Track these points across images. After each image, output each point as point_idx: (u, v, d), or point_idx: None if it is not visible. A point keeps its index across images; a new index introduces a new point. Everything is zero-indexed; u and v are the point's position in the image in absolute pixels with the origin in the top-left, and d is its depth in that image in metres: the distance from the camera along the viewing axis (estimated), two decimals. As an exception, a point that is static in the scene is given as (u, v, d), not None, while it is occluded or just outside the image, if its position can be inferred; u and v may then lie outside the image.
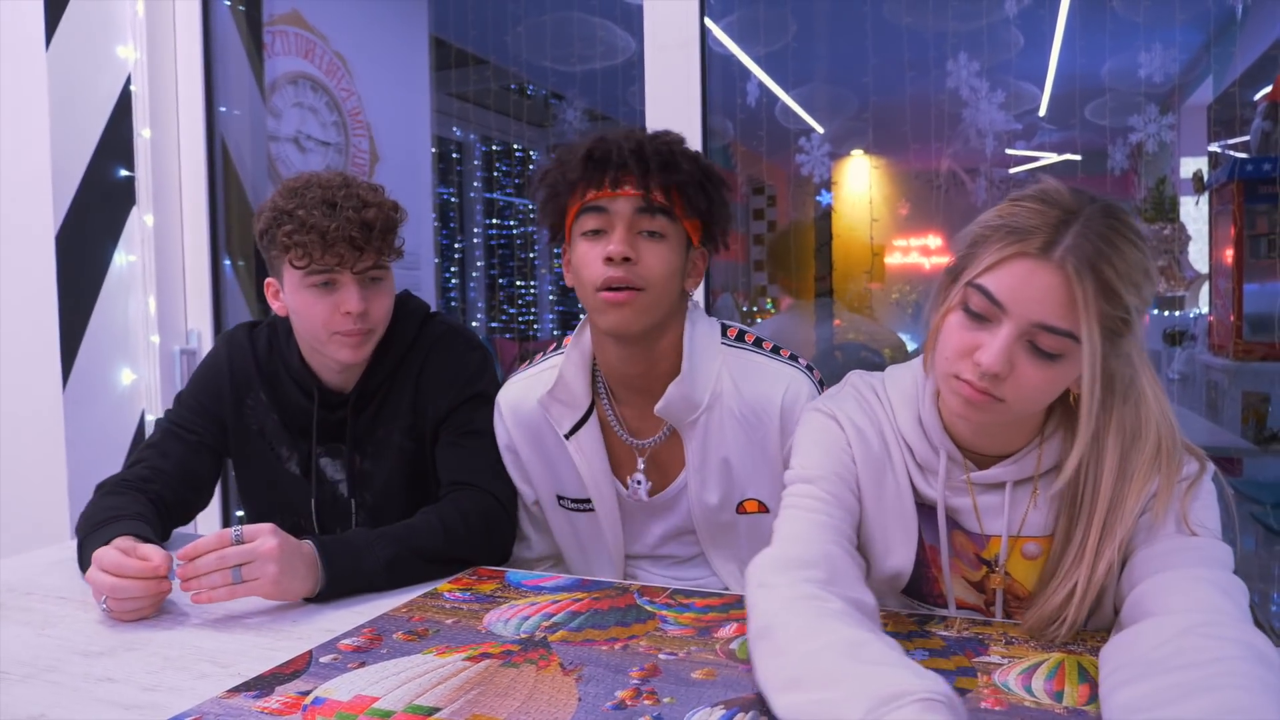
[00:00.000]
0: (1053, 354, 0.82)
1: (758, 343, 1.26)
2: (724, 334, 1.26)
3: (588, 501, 1.30)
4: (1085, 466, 0.87)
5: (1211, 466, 0.90)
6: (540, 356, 1.36)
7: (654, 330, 1.19)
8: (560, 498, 1.32)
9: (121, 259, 2.16)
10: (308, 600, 1.09)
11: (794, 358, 1.24)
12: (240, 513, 1.43)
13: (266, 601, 1.07)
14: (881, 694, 0.63)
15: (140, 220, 2.17)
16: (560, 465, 1.30)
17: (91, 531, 1.15)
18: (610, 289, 1.13)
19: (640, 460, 1.28)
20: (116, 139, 2.13)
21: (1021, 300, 0.81)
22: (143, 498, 1.24)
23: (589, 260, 1.14)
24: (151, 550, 1.06)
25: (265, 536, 1.04)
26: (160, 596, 1.05)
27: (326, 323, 1.24)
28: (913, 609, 1.03)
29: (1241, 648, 0.68)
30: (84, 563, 1.14)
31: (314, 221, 1.19)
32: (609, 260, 1.12)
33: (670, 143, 1.16)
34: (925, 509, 0.99)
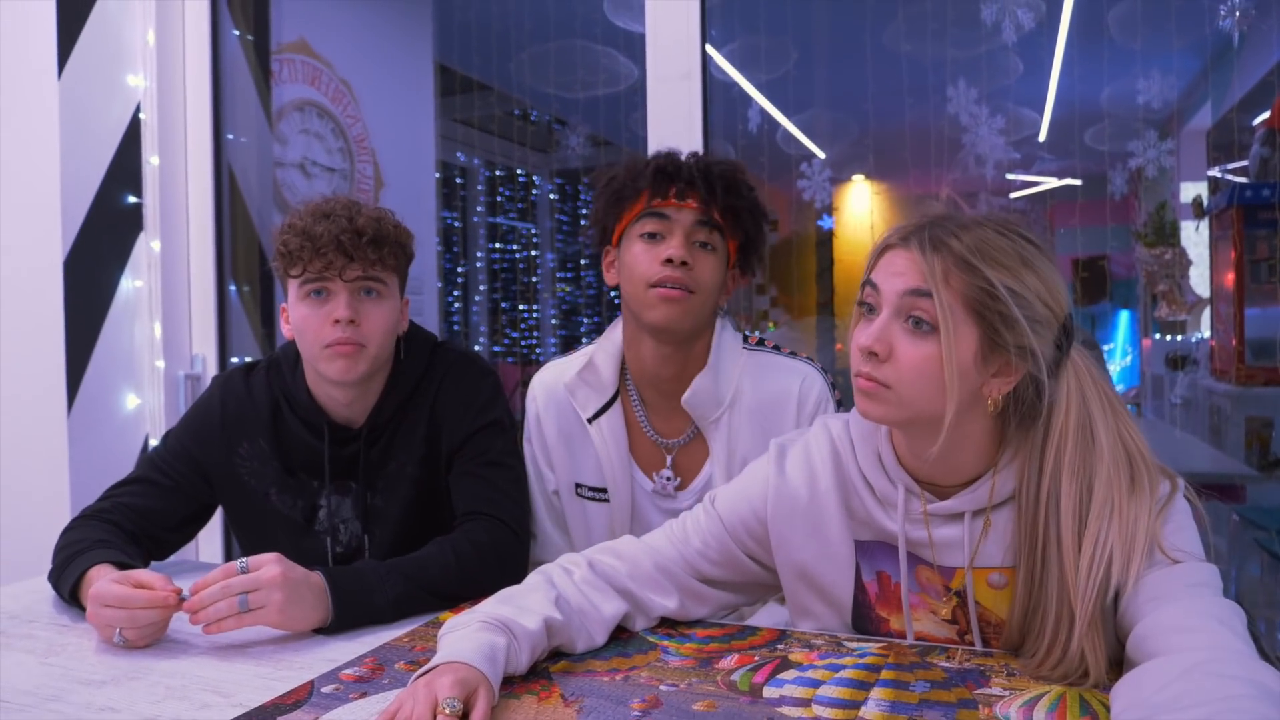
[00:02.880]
0: (925, 321, 0.88)
1: (776, 348, 1.36)
2: (745, 341, 1.37)
3: (604, 491, 1.36)
4: (1044, 497, 0.89)
5: (1182, 484, 0.91)
6: (576, 347, 1.46)
7: (693, 333, 1.29)
8: (578, 485, 1.39)
9: (128, 284, 2.17)
10: (316, 631, 1.09)
11: (809, 359, 1.35)
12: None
13: (269, 630, 1.07)
14: (482, 612, 0.93)
15: (147, 246, 2.19)
16: (581, 452, 1.37)
17: (66, 566, 1.16)
18: (665, 286, 1.23)
19: (668, 458, 1.36)
20: (125, 166, 2.16)
21: (888, 278, 0.91)
22: (115, 529, 1.24)
23: (645, 259, 1.25)
24: (147, 575, 1.06)
25: (269, 565, 1.04)
26: (169, 616, 1.05)
27: (319, 334, 1.23)
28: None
29: (1248, 685, 0.68)
30: (67, 597, 1.15)
31: (306, 227, 1.22)
32: (668, 262, 1.23)
33: (734, 168, 1.27)
34: (875, 546, 1.01)
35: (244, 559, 1.05)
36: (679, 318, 1.24)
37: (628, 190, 1.27)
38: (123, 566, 1.13)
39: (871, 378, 0.90)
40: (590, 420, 1.36)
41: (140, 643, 1.04)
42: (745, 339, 1.37)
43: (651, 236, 1.25)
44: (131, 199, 2.17)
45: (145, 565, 1.23)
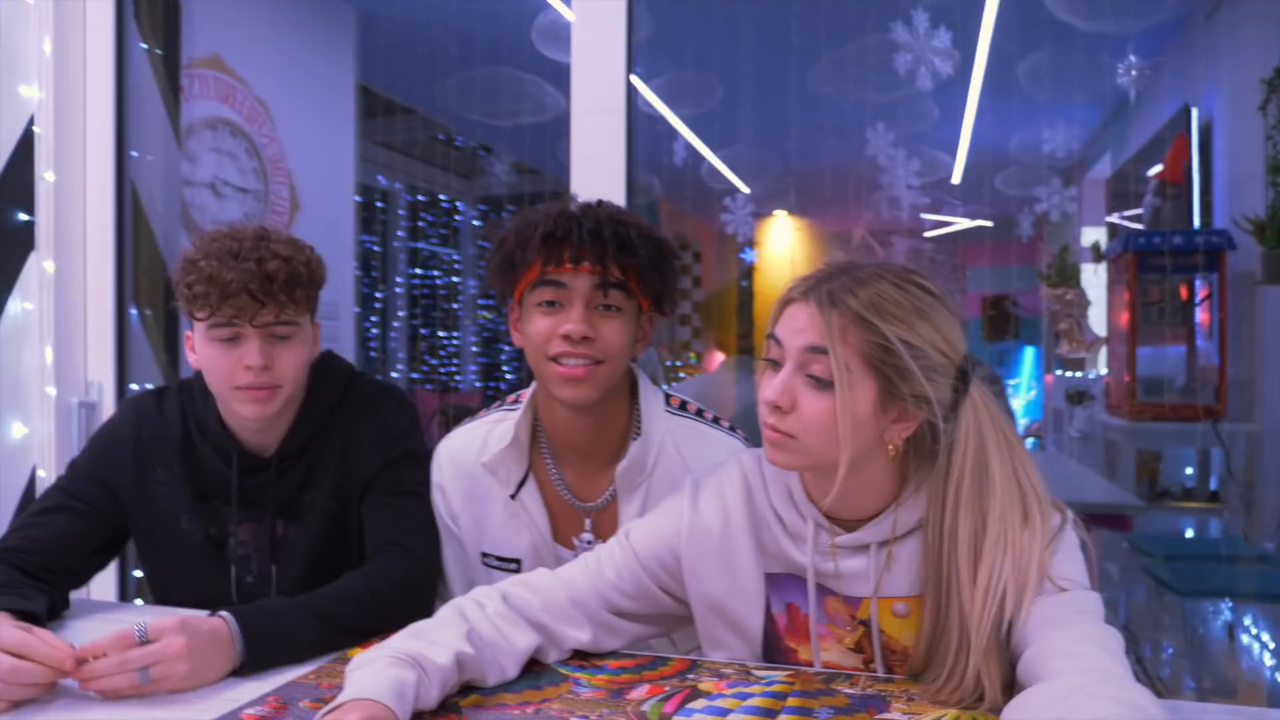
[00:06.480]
0: (824, 379, 0.91)
1: (699, 412, 1.30)
2: (667, 402, 1.30)
3: (514, 562, 1.29)
4: (945, 530, 0.92)
5: (1071, 516, 0.96)
6: (485, 412, 1.37)
7: (606, 396, 1.22)
8: (485, 555, 1.31)
9: (17, 306, 2.06)
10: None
11: (732, 428, 1.30)
12: (140, 602, 1.35)
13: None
14: (391, 647, 0.90)
15: (39, 266, 2.08)
16: (489, 524, 1.29)
17: None
18: (567, 363, 1.17)
19: (587, 521, 1.29)
20: (16, 182, 2.05)
21: (790, 333, 0.93)
22: (17, 572, 1.16)
23: (543, 331, 1.18)
24: (47, 635, 0.98)
25: (172, 636, 0.97)
26: (56, 680, 0.97)
27: (229, 377, 1.21)
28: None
29: (1121, 705, 0.73)
30: None
31: (214, 272, 1.16)
32: (566, 337, 1.16)
33: (627, 223, 1.18)
34: (784, 579, 1.04)
35: (142, 624, 0.97)
36: (587, 393, 1.18)
37: (519, 257, 1.19)
38: (21, 614, 1.05)
39: (777, 429, 0.94)
40: (513, 496, 1.28)
41: (4, 700, 0.94)
42: (667, 400, 1.30)
43: (550, 305, 1.18)
44: (23, 216, 2.07)
45: (51, 607, 1.16)
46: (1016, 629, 0.88)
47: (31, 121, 2.08)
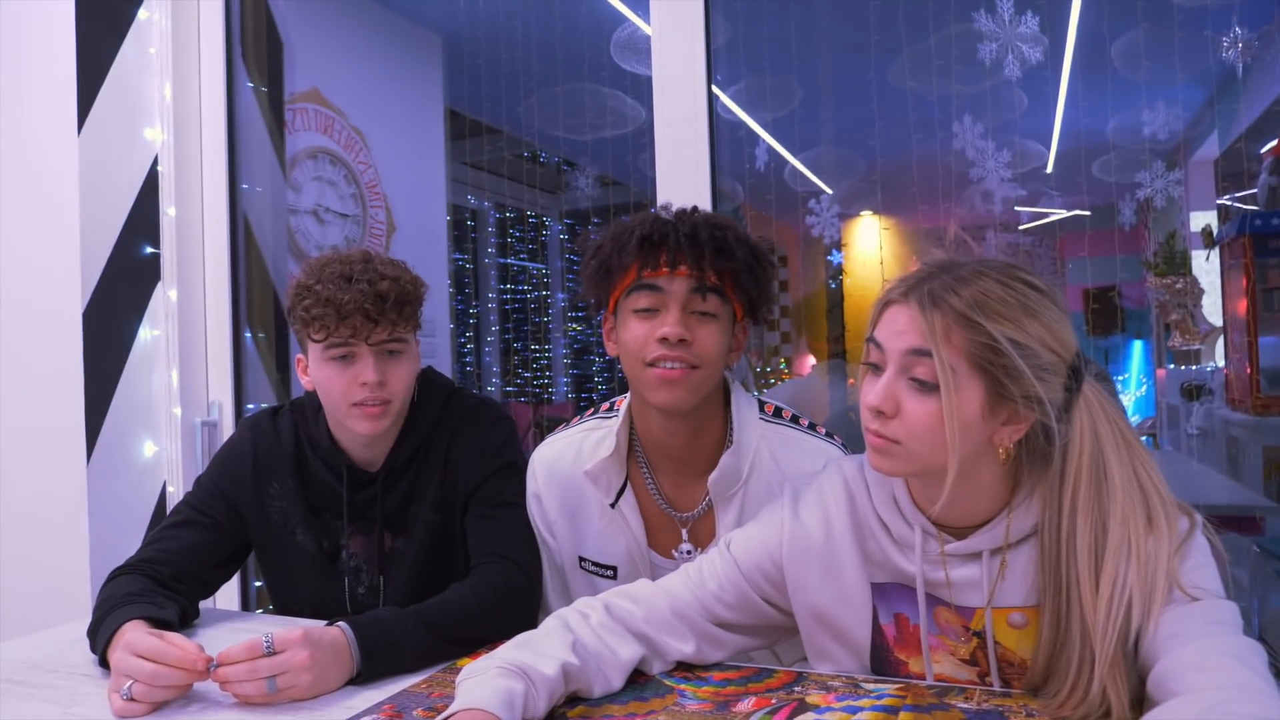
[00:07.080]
0: (928, 382, 0.88)
1: (794, 419, 1.29)
2: (761, 409, 1.29)
3: (611, 569, 1.31)
4: (1063, 536, 0.89)
5: (1200, 520, 0.90)
6: (578, 420, 1.38)
7: (701, 404, 1.22)
8: (582, 559, 1.33)
9: (146, 333, 2.20)
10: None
11: (829, 434, 1.28)
12: (262, 611, 1.42)
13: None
14: (499, 658, 0.92)
15: (164, 295, 2.22)
16: (587, 530, 1.31)
17: (105, 615, 1.15)
18: (664, 366, 1.17)
19: (684, 531, 1.29)
20: (143, 218, 2.20)
21: (890, 336, 0.91)
22: (151, 582, 1.24)
23: (639, 336, 1.18)
24: (181, 639, 1.04)
25: (296, 648, 1.02)
26: (191, 683, 1.03)
27: (345, 394, 1.27)
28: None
29: None
30: (97, 648, 1.13)
31: (330, 295, 1.22)
32: (663, 340, 1.16)
33: (724, 228, 1.19)
34: (892, 588, 1.01)
35: (269, 635, 1.02)
36: (683, 397, 1.18)
37: (615, 262, 1.20)
38: (155, 621, 1.12)
39: (880, 434, 0.92)
40: (613, 505, 1.29)
41: (146, 702, 1.00)
42: (761, 407, 1.30)
43: (646, 311, 1.19)
44: (149, 250, 2.21)
45: (181, 615, 1.24)
46: (1145, 640, 0.83)
47: (155, 161, 2.22)
